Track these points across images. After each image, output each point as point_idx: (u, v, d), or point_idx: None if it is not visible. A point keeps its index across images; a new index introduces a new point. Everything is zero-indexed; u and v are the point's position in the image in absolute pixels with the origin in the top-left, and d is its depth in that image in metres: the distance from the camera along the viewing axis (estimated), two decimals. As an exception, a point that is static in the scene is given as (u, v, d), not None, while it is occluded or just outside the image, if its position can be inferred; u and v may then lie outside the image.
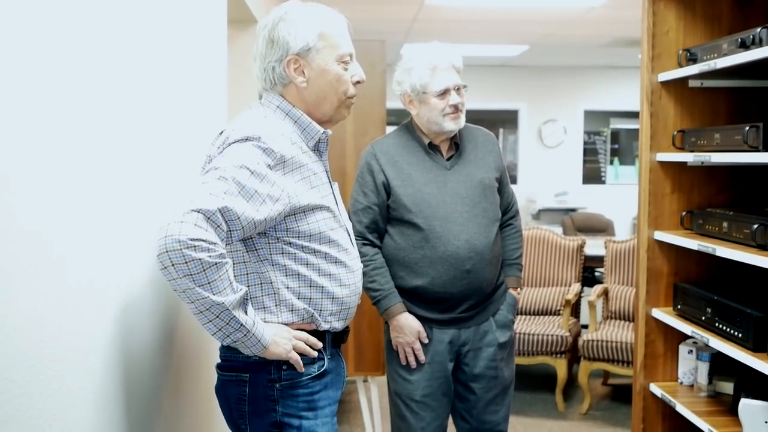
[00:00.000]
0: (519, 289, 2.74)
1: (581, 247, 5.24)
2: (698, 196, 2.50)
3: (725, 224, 2.19)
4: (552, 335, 4.57)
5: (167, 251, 1.43)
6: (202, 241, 1.45)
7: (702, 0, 2.45)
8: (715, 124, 2.50)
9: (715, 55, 2.19)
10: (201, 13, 2.42)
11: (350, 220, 2.61)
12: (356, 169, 2.66)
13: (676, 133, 2.43)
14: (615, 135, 10.20)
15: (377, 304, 2.57)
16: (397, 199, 2.53)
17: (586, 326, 5.64)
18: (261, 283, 1.70)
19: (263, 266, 1.70)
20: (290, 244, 1.70)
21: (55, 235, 1.24)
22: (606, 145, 9.95)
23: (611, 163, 9.95)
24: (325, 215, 1.75)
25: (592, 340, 4.47)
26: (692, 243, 2.26)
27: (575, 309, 5.11)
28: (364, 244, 2.58)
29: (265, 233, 1.68)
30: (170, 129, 1.96)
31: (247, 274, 1.71)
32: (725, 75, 2.43)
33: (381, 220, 2.59)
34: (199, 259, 1.45)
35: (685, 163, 2.48)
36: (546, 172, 9.33)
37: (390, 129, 2.91)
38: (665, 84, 2.46)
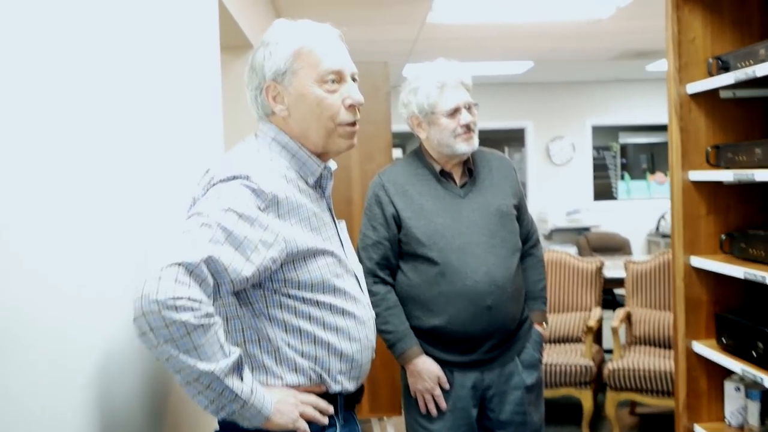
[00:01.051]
0: (545, 324, 2.52)
1: (600, 269, 5.02)
2: (736, 217, 2.29)
3: (774, 248, 1.99)
4: (576, 365, 4.34)
5: (144, 314, 1.23)
6: (185, 299, 1.25)
7: (729, 4, 2.26)
8: (750, 138, 2.30)
9: (751, 62, 1.99)
10: (192, 39, 2.25)
11: (359, 257, 2.41)
12: (363, 198, 2.47)
13: (710, 149, 2.23)
14: (624, 149, 10.00)
15: (392, 348, 2.37)
16: (409, 232, 2.33)
17: (608, 351, 5.41)
18: (259, 340, 1.50)
19: (260, 322, 1.49)
20: (289, 296, 1.50)
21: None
22: (616, 160, 9.76)
23: (622, 178, 9.74)
24: (328, 261, 1.54)
25: (618, 369, 4.23)
26: (736, 270, 2.05)
27: (597, 334, 4.88)
28: (375, 282, 2.38)
29: (260, 285, 1.48)
30: (161, 160, 1.78)
31: (243, 330, 1.51)
32: (759, 84, 2.24)
33: (392, 256, 2.39)
34: (182, 321, 1.25)
35: (720, 181, 2.28)
36: (556, 190, 9.13)
37: (396, 152, 2.71)
38: (695, 96, 2.26)
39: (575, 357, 4.41)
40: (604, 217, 8.98)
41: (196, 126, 2.25)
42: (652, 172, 9.92)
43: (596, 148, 9.55)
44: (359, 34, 5.84)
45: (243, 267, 1.36)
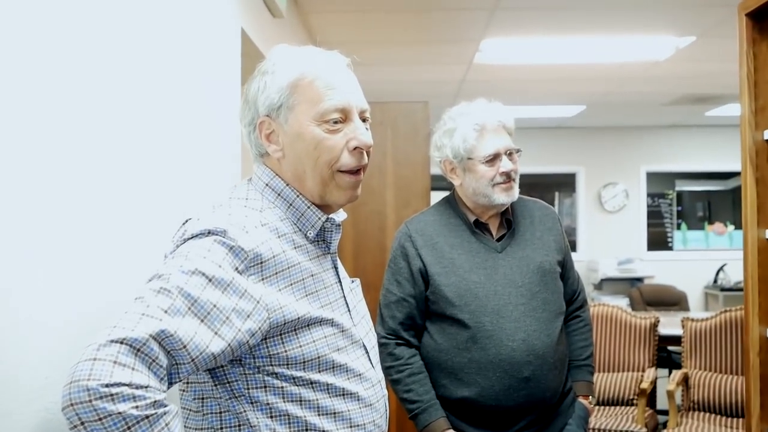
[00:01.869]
0: (591, 397, 2.21)
1: (655, 325, 4.65)
2: (820, 283, 1.98)
3: None
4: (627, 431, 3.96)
5: (72, 404, 0.99)
6: (124, 386, 1.00)
7: (812, 39, 1.98)
8: (837, 192, 1.99)
9: (842, 104, 1.71)
10: (213, 68, 2.08)
11: (381, 315, 2.15)
12: (391, 249, 2.22)
13: (790, 204, 1.94)
14: (679, 197, 9.57)
15: (415, 419, 2.09)
16: (438, 289, 2.07)
17: (660, 412, 5.01)
18: (239, 426, 1.24)
19: (240, 404, 1.24)
20: (275, 375, 1.24)
21: None
22: (672, 208, 9.33)
23: (678, 228, 9.29)
24: (326, 332, 1.29)
25: (674, 438, 3.85)
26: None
27: (650, 395, 4.49)
28: (399, 344, 2.11)
29: (239, 361, 1.23)
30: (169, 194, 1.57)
31: (221, 413, 1.25)
32: None
33: (418, 315, 2.12)
34: (120, 413, 0.99)
35: (802, 241, 1.98)
36: (607, 238, 8.74)
37: (435, 196, 2.47)
38: (772, 143, 1.97)
39: (626, 423, 4.05)
40: (658, 268, 8.55)
41: (212, 141, 2.06)
42: (709, 221, 9.46)
43: (651, 195, 9.15)
44: (403, 75, 5.67)
45: (209, 343, 1.11)
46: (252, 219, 1.26)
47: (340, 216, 1.42)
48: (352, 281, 1.48)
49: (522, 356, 2.01)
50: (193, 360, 1.10)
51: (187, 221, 1.29)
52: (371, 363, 1.38)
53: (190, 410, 1.29)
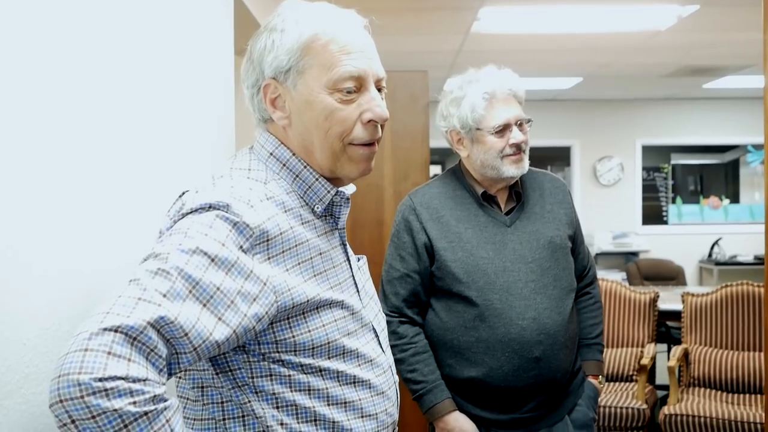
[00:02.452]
0: (600, 377, 2.13)
1: (655, 300, 4.58)
2: (844, 258, 1.89)
3: None
4: (628, 408, 3.92)
5: (61, 400, 0.88)
6: (120, 379, 0.90)
7: (841, 0, 1.86)
8: None
9: None
10: (206, 45, 1.96)
11: (384, 291, 2.05)
12: (393, 223, 2.12)
13: (815, 175, 1.84)
14: (673, 171, 9.49)
15: (419, 400, 2.01)
16: (444, 265, 1.97)
17: (660, 387, 4.97)
18: (243, 416, 1.15)
19: (243, 394, 1.14)
20: (281, 362, 1.14)
21: None
22: (667, 182, 9.25)
23: (673, 201, 9.23)
24: (336, 315, 1.18)
25: (676, 415, 3.80)
26: None
27: (649, 371, 4.44)
28: (402, 322, 2.02)
29: (242, 348, 1.13)
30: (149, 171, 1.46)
31: (222, 402, 1.15)
32: None
33: (423, 292, 2.03)
34: (116, 409, 0.89)
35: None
36: (602, 212, 8.66)
37: (434, 170, 2.36)
38: (797, 111, 1.87)
39: (627, 399, 4.00)
40: (653, 242, 8.49)
41: (206, 133, 1.94)
42: (704, 195, 9.39)
43: (646, 169, 9.06)
44: (399, 44, 5.52)
45: (213, 330, 1.01)
46: (257, 192, 1.15)
47: (349, 189, 1.31)
48: (359, 259, 1.37)
49: (532, 335, 1.92)
50: (195, 349, 0.99)
51: (184, 194, 1.17)
52: (381, 347, 1.28)
53: (188, 399, 1.20)
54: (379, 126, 1.22)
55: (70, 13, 1.24)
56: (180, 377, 1.21)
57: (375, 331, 1.28)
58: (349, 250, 1.32)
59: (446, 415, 1.97)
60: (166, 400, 0.94)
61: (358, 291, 1.28)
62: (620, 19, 4.89)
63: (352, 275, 1.28)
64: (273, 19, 1.22)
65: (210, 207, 1.08)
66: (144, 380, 0.92)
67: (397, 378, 1.33)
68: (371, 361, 1.23)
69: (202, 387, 1.16)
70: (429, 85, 3.71)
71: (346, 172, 1.23)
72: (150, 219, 1.50)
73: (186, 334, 0.97)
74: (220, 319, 1.02)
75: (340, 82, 1.17)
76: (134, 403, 0.90)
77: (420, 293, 2.02)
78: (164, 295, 0.97)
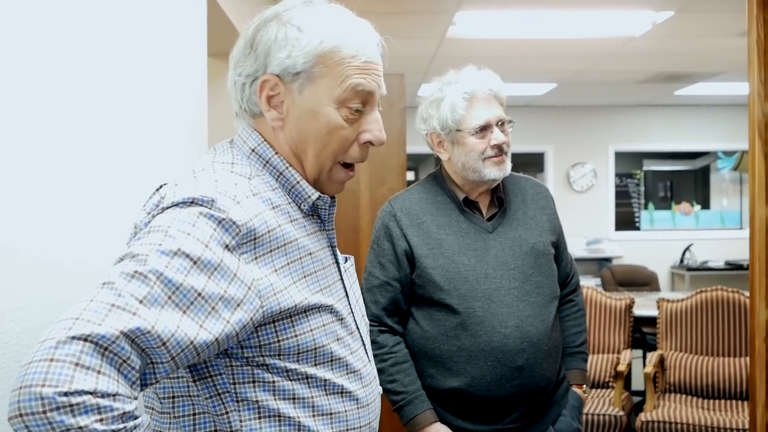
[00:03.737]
0: (584, 386, 2.09)
1: (630, 306, 4.58)
2: (829, 265, 1.87)
3: None
4: (604, 415, 3.90)
5: (21, 414, 0.81)
6: (87, 394, 0.82)
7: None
8: None
9: None
10: (179, 45, 1.89)
11: (363, 300, 2.00)
12: (372, 229, 2.06)
13: (802, 181, 1.82)
14: (645, 177, 9.56)
15: (399, 411, 1.95)
16: (424, 272, 1.92)
17: (636, 393, 4.97)
18: (215, 431, 1.08)
19: (222, 404, 1.06)
20: (265, 367, 1.07)
21: None
22: (639, 188, 9.31)
23: (645, 207, 9.29)
24: (325, 319, 1.12)
25: (652, 421, 3.78)
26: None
27: (626, 378, 4.43)
28: (382, 331, 1.96)
29: (225, 351, 1.06)
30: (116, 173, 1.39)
31: (194, 414, 1.08)
32: None
33: (403, 300, 1.97)
34: (80, 427, 0.82)
35: (811, 220, 1.86)
36: (576, 218, 8.67)
37: (408, 176, 2.31)
38: (783, 116, 1.85)
39: (604, 406, 3.98)
40: (625, 248, 8.54)
41: (178, 135, 1.87)
42: (675, 201, 9.47)
43: (619, 175, 9.12)
44: (373, 48, 5.48)
45: (193, 338, 0.94)
46: (242, 187, 1.08)
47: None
48: (346, 259, 1.31)
49: (515, 344, 1.87)
50: (173, 358, 0.92)
51: (161, 186, 1.10)
52: (368, 356, 1.22)
53: (154, 410, 1.12)
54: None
55: (45, 12, 1.18)
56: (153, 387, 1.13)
57: (362, 339, 1.22)
58: (338, 252, 1.26)
59: (427, 426, 1.91)
60: (136, 418, 0.87)
61: (347, 295, 1.22)
62: (595, 25, 4.89)
63: (341, 278, 1.22)
64: (288, 11, 1.14)
65: (193, 202, 1.01)
66: (113, 395, 0.85)
67: (380, 389, 1.27)
68: (358, 371, 1.17)
69: (173, 397, 1.09)
70: (406, 89, 3.66)
71: (326, 188, 1.20)
72: (121, 214, 1.43)
73: (164, 344, 0.90)
74: (201, 326, 0.95)
75: (350, 98, 1.12)
76: (101, 420, 0.83)
77: (400, 301, 1.97)
78: (141, 302, 0.90)
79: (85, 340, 0.84)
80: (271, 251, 1.06)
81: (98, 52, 1.40)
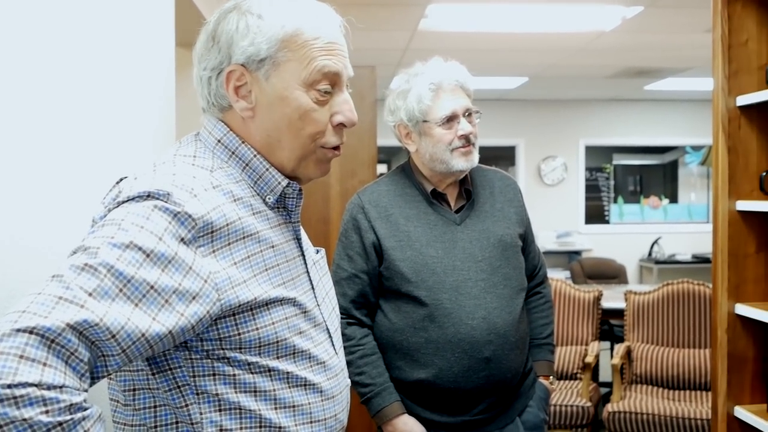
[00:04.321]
0: (551, 377, 2.11)
1: (598, 299, 4.63)
2: (790, 257, 1.90)
3: None
4: (572, 406, 3.93)
5: None
6: (31, 386, 0.82)
7: (788, 0, 1.87)
8: (810, 162, 1.91)
9: (827, 68, 1.61)
10: (147, 35, 1.85)
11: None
12: (341, 222, 2.05)
13: (764, 174, 1.84)
14: (615, 171, 9.66)
15: (367, 404, 1.95)
16: (392, 265, 1.91)
17: (604, 384, 5.02)
18: (176, 423, 1.07)
19: (181, 396, 1.06)
20: (226, 360, 1.06)
21: None
22: (609, 182, 9.40)
23: (615, 201, 9.39)
24: (288, 312, 1.11)
25: (619, 412, 3.83)
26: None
27: (594, 369, 4.48)
28: (350, 324, 1.96)
29: (184, 344, 1.05)
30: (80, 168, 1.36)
31: (155, 407, 1.07)
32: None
33: (371, 293, 1.97)
34: (25, 419, 0.81)
35: (773, 213, 1.89)
36: (546, 211, 8.75)
37: (380, 169, 2.30)
38: (746, 110, 1.86)
39: (572, 397, 4.02)
40: (595, 241, 8.63)
41: (140, 127, 1.84)
42: (644, 195, 9.59)
43: (589, 169, 9.20)
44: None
45: (145, 331, 0.93)
46: (201, 180, 1.07)
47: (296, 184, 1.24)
48: (317, 251, 1.31)
49: (482, 335, 1.88)
50: (123, 351, 0.91)
51: (121, 180, 1.09)
52: (335, 349, 1.22)
53: (119, 402, 1.11)
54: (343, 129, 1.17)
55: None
56: (111, 379, 1.13)
57: (329, 332, 1.21)
58: (306, 243, 1.25)
59: (395, 418, 1.91)
60: (85, 409, 0.86)
61: (313, 288, 1.21)
62: (566, 20, 4.92)
63: (307, 271, 1.21)
64: (245, 0, 1.14)
65: (148, 196, 1.00)
66: (60, 387, 0.84)
67: (349, 382, 1.27)
68: (323, 363, 1.16)
69: (134, 390, 1.08)
70: (377, 81, 3.65)
71: (308, 173, 1.18)
72: (83, 208, 1.40)
73: (113, 336, 0.89)
74: (154, 319, 0.94)
75: (319, 80, 1.11)
76: (47, 412, 0.82)
77: (368, 294, 1.96)
78: (90, 294, 0.89)
79: (31, 332, 0.84)
80: (229, 244, 1.05)
81: (59, 41, 1.38)
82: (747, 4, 1.86)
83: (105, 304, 0.90)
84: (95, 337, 0.88)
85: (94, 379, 0.91)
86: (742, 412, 1.88)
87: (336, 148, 1.18)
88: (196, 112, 1.27)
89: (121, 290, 0.92)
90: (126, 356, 0.92)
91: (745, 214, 1.87)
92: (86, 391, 0.88)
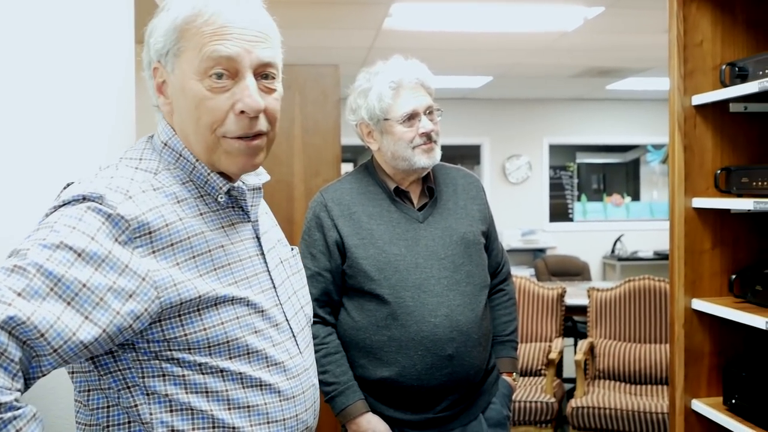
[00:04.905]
0: (515, 374, 2.12)
1: (562, 296, 4.68)
2: (745, 253, 1.94)
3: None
4: (536, 402, 3.97)
5: None
6: None
7: (742, 2, 1.90)
8: (765, 160, 1.95)
9: (779, 68, 1.64)
10: (103, 31, 1.82)
11: None
12: (305, 220, 2.05)
13: (719, 172, 1.87)
14: (579, 170, 9.77)
15: (331, 402, 1.94)
16: (355, 263, 1.92)
17: (568, 380, 5.08)
18: (128, 422, 1.06)
19: (131, 396, 1.05)
20: (175, 361, 1.06)
21: None
22: (573, 180, 9.51)
23: (579, 199, 9.50)
24: (240, 312, 1.11)
25: (583, 407, 3.87)
26: (757, 320, 1.68)
27: (558, 365, 4.53)
28: (314, 323, 1.94)
29: (131, 346, 1.04)
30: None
31: (108, 407, 1.07)
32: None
33: (335, 291, 1.96)
34: None
35: (728, 210, 1.92)
36: (511, 209, 8.82)
37: (346, 168, 2.31)
38: (701, 109, 1.90)
39: (536, 393, 4.06)
40: (559, 239, 8.72)
41: (97, 128, 1.81)
42: (607, 193, 9.72)
43: (553, 168, 9.30)
44: (310, 39, 5.44)
45: (77, 330, 0.93)
46: (140, 182, 1.07)
47: (262, 178, 1.24)
48: (292, 249, 1.31)
49: (445, 333, 1.88)
50: (55, 350, 0.91)
51: (68, 185, 1.08)
52: (298, 349, 1.21)
53: (80, 403, 1.11)
54: (261, 118, 1.12)
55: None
56: (72, 380, 1.12)
57: (292, 331, 1.20)
58: (269, 242, 1.24)
59: (359, 417, 1.91)
60: (16, 408, 0.86)
61: (274, 287, 1.20)
62: (529, 19, 4.96)
63: (268, 270, 1.20)
64: None
65: (83, 198, 1.01)
66: None
67: (315, 381, 1.26)
68: (281, 363, 1.16)
69: (88, 390, 1.08)
70: (341, 80, 3.65)
71: (224, 167, 1.14)
72: (34, 210, 1.38)
73: (42, 335, 0.89)
74: (86, 317, 0.94)
75: (209, 66, 1.08)
76: None
77: (332, 292, 1.96)
78: (19, 294, 0.89)
79: None
80: (172, 245, 1.05)
81: (9, 36, 1.35)
82: (702, 5, 1.90)
83: (34, 304, 0.90)
84: (25, 336, 0.88)
85: (29, 380, 0.91)
86: (699, 405, 1.91)
87: (250, 138, 1.12)
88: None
89: (51, 289, 0.92)
90: (59, 356, 0.92)
91: (701, 211, 1.91)
92: (19, 390, 0.88)
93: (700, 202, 1.89)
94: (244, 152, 1.12)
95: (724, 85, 1.82)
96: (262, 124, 1.12)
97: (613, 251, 8.64)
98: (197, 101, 1.09)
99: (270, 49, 1.13)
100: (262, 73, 1.12)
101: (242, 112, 1.10)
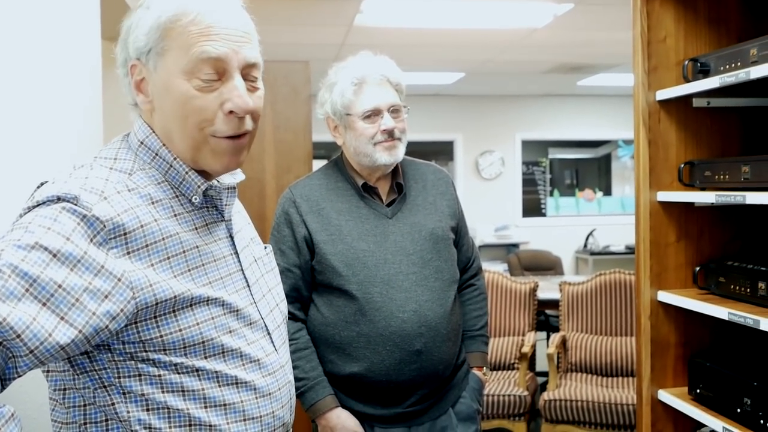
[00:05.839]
0: (485, 368, 2.14)
1: (534, 290, 4.72)
2: (709, 245, 1.97)
3: (762, 285, 1.65)
4: (510, 395, 4.00)
5: None
6: None
7: (705, -1, 1.93)
8: (727, 154, 1.98)
9: (739, 64, 1.67)
10: (68, 28, 1.80)
11: None
12: (274, 216, 2.04)
13: (683, 165, 1.90)
14: (551, 165, 9.85)
15: (301, 398, 1.94)
16: (324, 259, 1.92)
17: (540, 374, 5.12)
18: (106, 421, 1.06)
19: (108, 395, 1.05)
20: (151, 361, 1.06)
21: None
22: (545, 176, 9.58)
23: (551, 194, 9.57)
24: (214, 312, 1.11)
25: (555, 400, 3.91)
26: (718, 310, 1.71)
27: (530, 358, 4.57)
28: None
29: (107, 346, 1.04)
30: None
31: (84, 405, 1.06)
32: (735, 92, 1.93)
33: (304, 287, 1.97)
34: None
35: (692, 203, 1.95)
36: (484, 205, 8.87)
37: (318, 164, 2.31)
38: (665, 104, 1.92)
39: (509, 387, 4.09)
40: (532, 234, 8.78)
41: (63, 127, 1.79)
42: (579, 188, 9.81)
43: (525, 163, 9.36)
44: (281, 35, 5.42)
45: (53, 330, 0.92)
46: (115, 183, 1.07)
47: (237, 177, 1.24)
48: (266, 247, 1.32)
49: (413, 328, 1.89)
50: (32, 351, 0.90)
51: (41, 185, 1.07)
52: (274, 346, 1.21)
53: (56, 401, 1.11)
54: (247, 118, 1.13)
55: None
56: (47, 378, 1.12)
57: (267, 329, 1.21)
58: (242, 241, 1.24)
59: (328, 412, 1.92)
60: None
61: (248, 286, 1.20)
62: (500, 16, 4.98)
63: (242, 269, 1.20)
64: None
65: (58, 199, 1.00)
66: None
67: (291, 378, 1.26)
68: (257, 361, 1.16)
69: (64, 389, 1.08)
70: (311, 77, 3.64)
71: (209, 166, 1.14)
72: (4, 211, 1.36)
73: (18, 336, 0.89)
74: (62, 318, 0.93)
75: (197, 67, 1.08)
76: None
77: (301, 288, 1.96)
78: None
79: None
80: (147, 246, 1.05)
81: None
82: (665, 2, 1.92)
83: (10, 305, 0.89)
84: (1, 337, 0.88)
85: (5, 381, 0.90)
86: (665, 396, 1.94)
87: (237, 137, 1.12)
88: (125, 109, 1.25)
89: (27, 290, 0.91)
90: (35, 357, 0.91)
91: (666, 205, 1.93)
92: None
93: (664, 196, 1.91)
94: (231, 151, 1.13)
95: (687, 81, 1.84)
96: (248, 123, 1.14)
97: (585, 246, 8.73)
98: (183, 100, 1.09)
99: (254, 49, 1.15)
100: (248, 73, 1.13)
101: (231, 112, 1.10)
